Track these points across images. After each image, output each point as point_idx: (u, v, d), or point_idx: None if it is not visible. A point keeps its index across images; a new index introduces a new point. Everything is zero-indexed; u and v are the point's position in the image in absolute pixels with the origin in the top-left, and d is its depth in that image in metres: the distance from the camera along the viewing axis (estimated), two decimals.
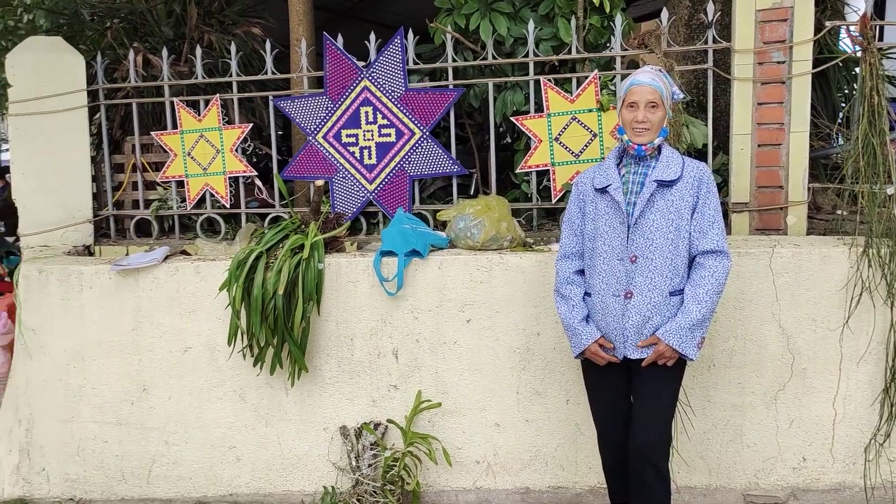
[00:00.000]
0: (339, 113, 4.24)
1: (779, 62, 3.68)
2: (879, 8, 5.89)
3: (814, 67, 3.72)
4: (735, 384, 3.49)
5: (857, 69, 4.59)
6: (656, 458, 2.86)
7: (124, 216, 4.66)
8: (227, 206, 4.44)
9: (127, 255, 4.29)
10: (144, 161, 4.65)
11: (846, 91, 4.87)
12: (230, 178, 4.44)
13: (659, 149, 2.88)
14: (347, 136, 4.25)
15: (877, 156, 3.46)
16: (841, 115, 3.71)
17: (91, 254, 4.45)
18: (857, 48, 3.62)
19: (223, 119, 4.42)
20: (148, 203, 4.62)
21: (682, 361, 2.89)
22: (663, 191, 2.81)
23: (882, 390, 3.39)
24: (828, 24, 3.81)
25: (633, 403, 2.97)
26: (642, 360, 2.84)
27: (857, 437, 3.45)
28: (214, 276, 3.79)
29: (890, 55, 4.64)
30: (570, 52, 4.01)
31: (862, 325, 3.38)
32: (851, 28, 3.70)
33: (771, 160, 3.72)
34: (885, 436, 3.40)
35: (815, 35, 3.68)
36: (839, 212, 3.91)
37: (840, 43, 4.86)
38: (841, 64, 4.34)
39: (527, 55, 4.02)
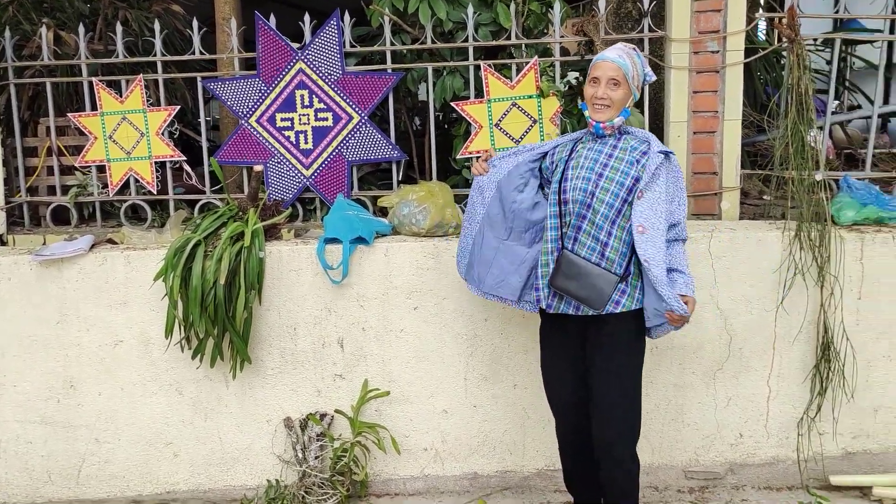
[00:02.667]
0: (272, 96, 4.10)
1: (713, 52, 3.79)
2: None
3: None
4: (676, 364, 3.59)
5: (776, 59, 4.84)
6: (623, 448, 2.81)
7: (40, 203, 4.37)
8: (155, 192, 4.23)
9: (45, 244, 4.04)
10: (60, 144, 4.37)
11: (762, 80, 5.10)
12: (156, 162, 4.23)
13: (620, 129, 2.85)
14: (282, 119, 4.12)
15: (805, 143, 3.62)
16: (772, 103, 3.85)
17: (4, 243, 4.17)
18: (785, 40, 3.76)
19: (147, 101, 4.20)
20: (65, 189, 4.35)
21: (638, 341, 2.87)
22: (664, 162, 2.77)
23: (813, 367, 3.55)
24: (757, 15, 3.95)
25: (592, 395, 2.86)
26: (600, 348, 2.81)
27: (791, 413, 3.61)
28: (146, 265, 3.62)
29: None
30: (509, 37, 4.01)
31: (794, 305, 3.53)
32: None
33: (706, 147, 3.84)
34: (815, 410, 3.57)
35: (747, 26, 3.81)
36: (766, 197, 4.07)
37: (759, 34, 5.07)
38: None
39: (466, 40, 4.00)
